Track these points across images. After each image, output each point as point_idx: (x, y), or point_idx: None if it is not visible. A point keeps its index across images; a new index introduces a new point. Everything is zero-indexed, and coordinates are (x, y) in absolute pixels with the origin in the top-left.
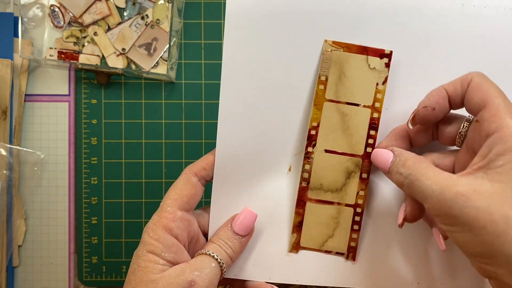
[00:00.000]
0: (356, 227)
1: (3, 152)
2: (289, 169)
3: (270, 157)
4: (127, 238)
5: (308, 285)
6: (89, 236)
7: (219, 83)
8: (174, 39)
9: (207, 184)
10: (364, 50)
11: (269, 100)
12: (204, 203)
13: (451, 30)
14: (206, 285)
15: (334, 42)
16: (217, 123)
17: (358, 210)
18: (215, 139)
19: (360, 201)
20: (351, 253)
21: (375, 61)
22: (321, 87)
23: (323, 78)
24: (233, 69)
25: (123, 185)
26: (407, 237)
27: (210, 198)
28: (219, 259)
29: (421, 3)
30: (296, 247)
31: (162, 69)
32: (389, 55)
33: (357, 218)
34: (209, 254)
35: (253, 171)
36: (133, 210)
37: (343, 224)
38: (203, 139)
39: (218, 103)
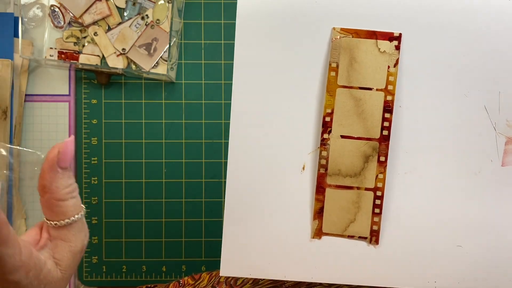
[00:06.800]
0: (377, 210)
1: (3, 152)
2: (303, 168)
3: (283, 156)
4: (127, 238)
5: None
6: (89, 236)
7: (219, 83)
8: (174, 39)
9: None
10: (373, 35)
11: (280, 99)
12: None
13: (459, 10)
14: None
15: (342, 29)
16: (216, 122)
17: (378, 193)
18: (215, 139)
19: (379, 185)
20: (374, 237)
21: (385, 45)
22: (333, 73)
23: (333, 65)
24: (244, 71)
25: (123, 185)
26: (431, 214)
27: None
28: None
29: None
30: (318, 233)
31: (162, 69)
32: (398, 38)
33: (377, 202)
34: None
35: (266, 170)
36: (133, 210)
37: (364, 208)
38: (203, 139)
39: (217, 103)
